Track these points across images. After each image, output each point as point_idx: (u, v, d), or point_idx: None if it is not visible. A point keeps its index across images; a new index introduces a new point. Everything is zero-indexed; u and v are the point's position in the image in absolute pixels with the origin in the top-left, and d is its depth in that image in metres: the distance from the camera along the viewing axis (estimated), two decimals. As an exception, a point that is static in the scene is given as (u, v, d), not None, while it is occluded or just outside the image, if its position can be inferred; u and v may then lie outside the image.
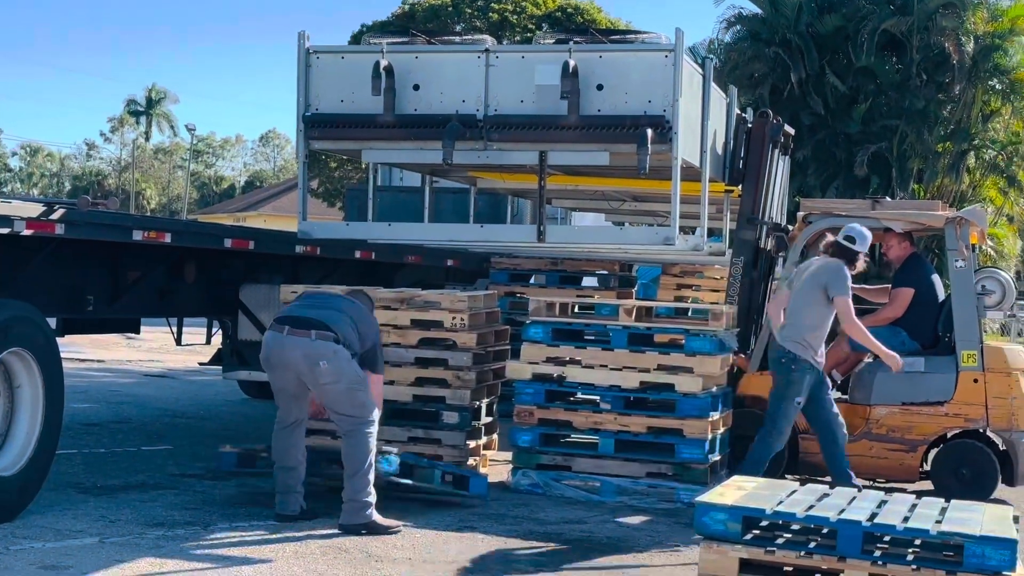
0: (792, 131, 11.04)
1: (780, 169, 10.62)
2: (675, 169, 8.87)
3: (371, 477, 7.36)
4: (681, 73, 8.74)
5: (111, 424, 11.72)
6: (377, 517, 7.33)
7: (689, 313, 10.04)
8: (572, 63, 8.74)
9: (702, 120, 9.28)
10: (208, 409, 13.32)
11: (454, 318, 9.21)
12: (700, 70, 9.27)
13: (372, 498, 7.34)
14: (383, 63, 9.03)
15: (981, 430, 9.37)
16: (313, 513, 7.56)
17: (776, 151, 10.38)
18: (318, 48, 9.48)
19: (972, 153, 18.78)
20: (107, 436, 10.92)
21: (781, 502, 5.82)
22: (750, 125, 10.23)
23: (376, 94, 9.04)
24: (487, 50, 9.16)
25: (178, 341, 13.13)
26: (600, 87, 8.88)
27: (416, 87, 9.18)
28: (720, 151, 9.91)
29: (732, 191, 10.72)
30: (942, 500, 6.19)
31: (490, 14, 36.34)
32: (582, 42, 9.41)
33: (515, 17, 36.40)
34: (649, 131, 8.63)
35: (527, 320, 9.25)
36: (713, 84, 9.39)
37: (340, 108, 9.34)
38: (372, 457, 7.42)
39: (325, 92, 9.40)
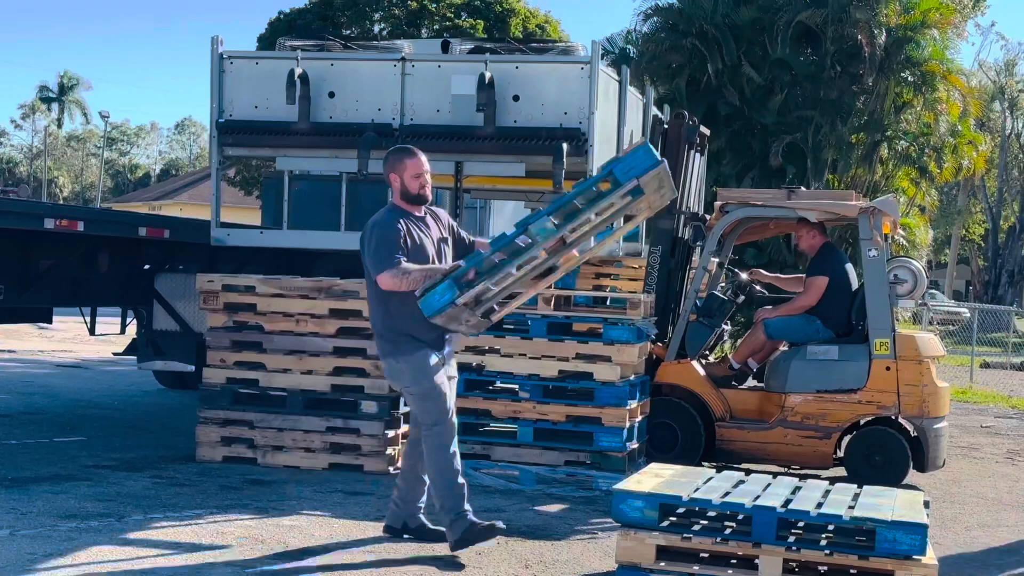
0: (707, 131, 11.10)
1: (696, 167, 10.68)
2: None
3: (457, 482, 6.66)
4: (597, 86, 8.76)
5: (22, 415, 11.52)
6: (474, 522, 6.68)
7: (608, 302, 10.08)
8: (488, 75, 8.73)
9: (618, 126, 9.31)
10: (123, 400, 13.15)
11: (372, 307, 9.16)
12: (616, 76, 9.29)
13: (460, 506, 6.66)
14: (298, 71, 8.93)
15: (893, 417, 9.52)
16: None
17: (692, 151, 10.43)
18: (232, 53, 9.35)
19: (885, 144, 19.01)
20: (18, 427, 10.74)
21: (697, 489, 5.88)
22: (666, 126, 10.26)
23: (291, 103, 8.95)
24: (403, 58, 9.11)
25: (92, 331, 12.99)
26: (516, 98, 8.88)
27: (331, 94, 9.12)
28: None
29: None
30: (855, 486, 6.28)
31: (409, 2, 36.17)
32: (500, 51, 9.40)
33: (434, 6, 36.26)
34: (565, 145, 8.65)
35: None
36: (630, 87, 9.40)
37: (254, 115, 9.23)
38: (451, 464, 6.66)
39: (239, 98, 9.28)
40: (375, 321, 6.72)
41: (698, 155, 10.64)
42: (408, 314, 6.51)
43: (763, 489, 5.99)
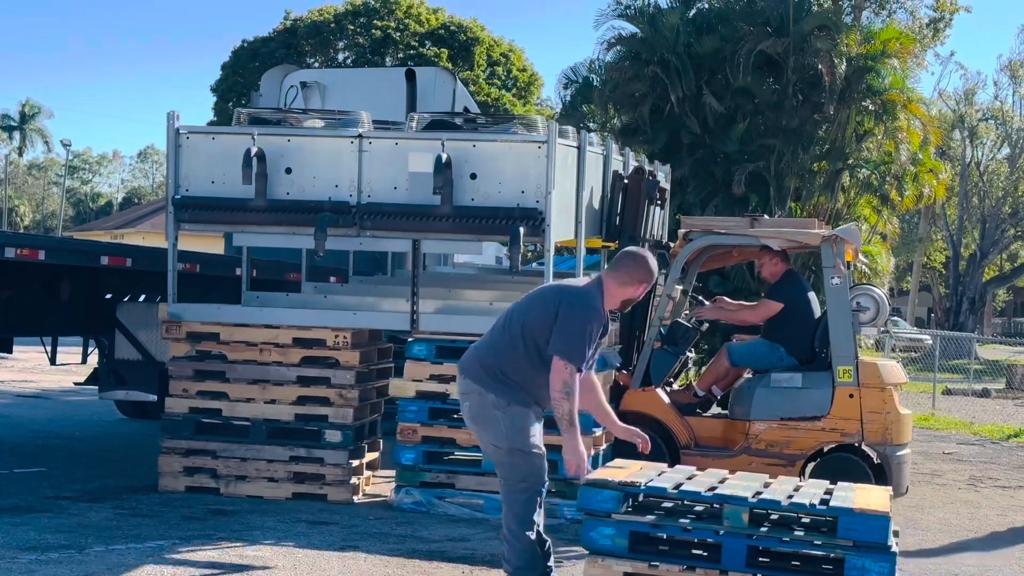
0: (667, 187, 11.08)
1: (655, 218, 10.68)
2: (548, 259, 8.89)
3: (525, 547, 6.06)
4: (554, 165, 8.73)
5: (-18, 446, 11.40)
6: None
7: (572, 330, 10.07)
8: (445, 156, 8.69)
9: (577, 191, 9.26)
10: (84, 430, 13.03)
11: (337, 336, 9.15)
12: (575, 143, 9.23)
13: (542, 566, 6.11)
14: (254, 149, 8.84)
15: (856, 444, 9.54)
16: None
17: (652, 206, 10.42)
18: (189, 128, 9.24)
19: (847, 172, 19.12)
20: (-22, 459, 10.62)
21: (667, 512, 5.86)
22: (626, 181, 10.24)
23: (247, 183, 8.86)
24: (360, 136, 9.04)
25: (53, 360, 12.88)
26: (474, 176, 8.84)
27: (288, 170, 9.03)
28: (597, 206, 9.87)
29: (609, 246, 10.75)
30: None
31: (373, 31, 36.27)
32: (458, 123, 9.35)
33: (398, 35, 36.36)
34: (521, 229, 8.63)
35: (410, 338, 9.21)
36: (588, 147, 9.33)
37: (211, 190, 9.11)
38: (529, 524, 6.08)
39: (195, 173, 9.16)
40: (506, 367, 6.10)
41: (658, 208, 10.65)
42: (534, 380, 6.10)
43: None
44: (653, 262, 6.29)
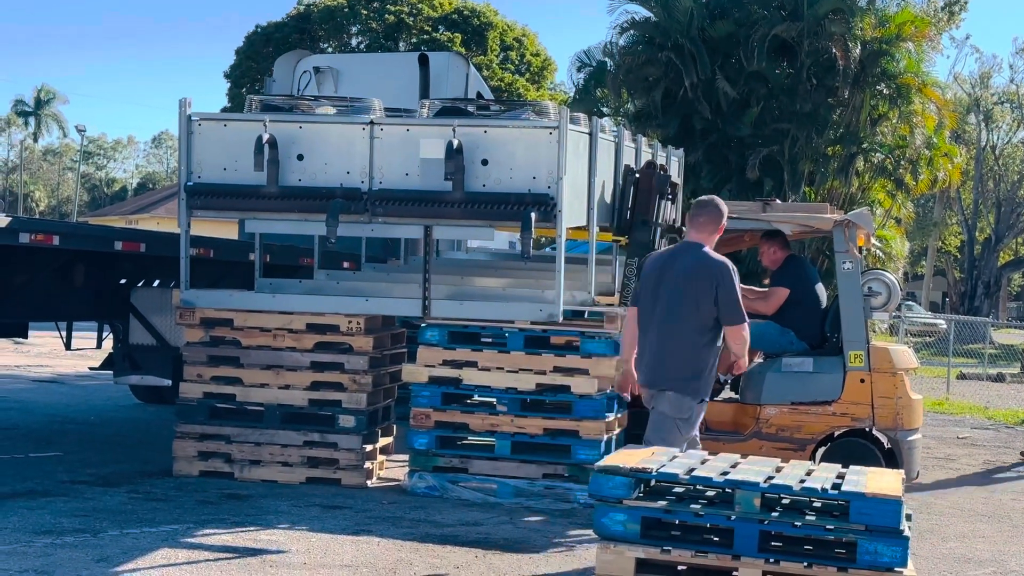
0: (678, 182, 11.03)
1: (667, 213, 10.65)
2: (560, 246, 8.86)
3: None
4: (566, 151, 8.71)
5: (-2, 431, 11.46)
6: None
7: (585, 315, 10.09)
8: (456, 142, 8.67)
9: (589, 178, 9.23)
10: (99, 415, 13.08)
11: (350, 322, 9.17)
12: (587, 129, 9.20)
13: None
14: (265, 136, 8.83)
15: (867, 429, 9.54)
16: None
17: (664, 201, 10.40)
18: (201, 115, 9.22)
19: (861, 156, 19.07)
20: (-6, 443, 10.68)
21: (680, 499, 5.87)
22: (637, 175, 10.21)
23: (259, 170, 8.85)
24: (372, 122, 9.02)
25: (68, 346, 12.92)
26: (485, 162, 8.81)
27: (300, 157, 9.01)
28: (608, 199, 9.85)
29: (620, 241, 10.72)
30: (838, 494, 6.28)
31: (386, 16, 36.24)
32: (469, 109, 9.33)
33: (411, 19, 36.33)
34: (533, 214, 8.61)
35: (423, 323, 9.23)
36: (600, 134, 9.30)
37: (223, 177, 9.10)
38: None
39: (207, 160, 9.15)
40: (696, 359, 7.13)
41: (669, 203, 10.63)
42: (714, 366, 7.20)
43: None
44: (719, 201, 7.35)
